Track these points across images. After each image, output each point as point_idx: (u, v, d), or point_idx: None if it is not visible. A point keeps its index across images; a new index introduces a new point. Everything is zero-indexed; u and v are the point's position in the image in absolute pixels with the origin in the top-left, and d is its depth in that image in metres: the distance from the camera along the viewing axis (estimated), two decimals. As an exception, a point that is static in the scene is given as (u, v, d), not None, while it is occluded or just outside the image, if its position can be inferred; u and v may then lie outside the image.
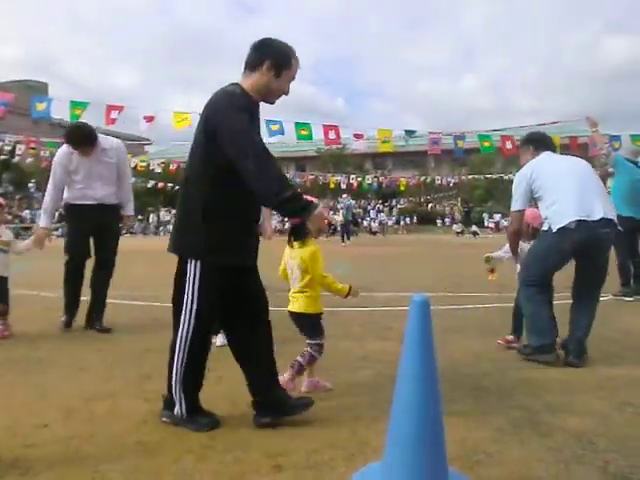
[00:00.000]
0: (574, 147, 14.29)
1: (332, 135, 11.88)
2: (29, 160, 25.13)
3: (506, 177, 32.32)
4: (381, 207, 37.85)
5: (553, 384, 3.03)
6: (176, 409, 2.41)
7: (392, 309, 5.44)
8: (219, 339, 3.88)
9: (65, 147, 4.41)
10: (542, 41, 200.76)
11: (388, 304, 5.80)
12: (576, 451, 2.19)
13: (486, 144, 15.17)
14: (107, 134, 4.76)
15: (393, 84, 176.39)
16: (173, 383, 2.42)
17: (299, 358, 2.89)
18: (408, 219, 37.68)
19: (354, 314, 5.26)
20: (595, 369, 3.36)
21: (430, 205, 40.02)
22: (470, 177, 33.85)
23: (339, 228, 23.92)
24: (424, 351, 1.62)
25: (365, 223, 34.31)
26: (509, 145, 16.45)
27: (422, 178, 31.84)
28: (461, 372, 3.27)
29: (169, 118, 11.28)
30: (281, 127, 11.44)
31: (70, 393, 2.85)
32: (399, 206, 39.20)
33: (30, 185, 35.07)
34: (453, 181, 31.58)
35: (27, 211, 31.00)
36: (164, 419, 2.45)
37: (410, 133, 13.26)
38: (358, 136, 12.81)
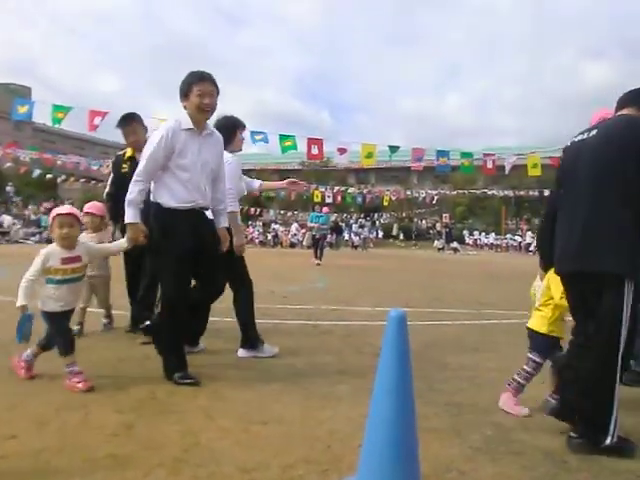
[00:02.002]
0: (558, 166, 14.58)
1: (315, 150, 11.96)
2: (8, 165, 24.76)
3: (489, 192, 32.86)
4: (363, 221, 38.01)
5: (527, 402, 3.05)
6: None
7: (371, 324, 5.45)
8: (240, 351, 3.94)
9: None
10: (524, 63, 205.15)
11: (367, 318, 5.81)
12: (549, 470, 2.22)
13: (466, 163, 15.42)
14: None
15: (377, 100, 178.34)
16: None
17: (516, 376, 2.97)
18: (402, 234, 37.99)
19: (333, 328, 5.27)
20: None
21: (416, 220, 40.35)
22: (455, 192, 34.30)
23: (305, 242, 23.58)
24: (400, 367, 1.62)
25: (347, 237, 34.40)
26: (490, 164, 16.78)
27: (407, 192, 32.14)
28: (436, 388, 3.28)
29: (155, 125, 11.25)
30: (265, 137, 11.54)
31: (41, 403, 2.79)
32: (381, 221, 39.46)
33: (8, 189, 34.50)
34: (436, 197, 31.92)
35: (4, 215, 30.42)
36: None
37: (394, 149, 13.40)
38: (342, 150, 12.91)
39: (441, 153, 15.09)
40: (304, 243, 22.44)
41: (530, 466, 2.24)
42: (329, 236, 24.45)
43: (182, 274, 3.29)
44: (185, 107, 3.32)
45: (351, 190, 31.63)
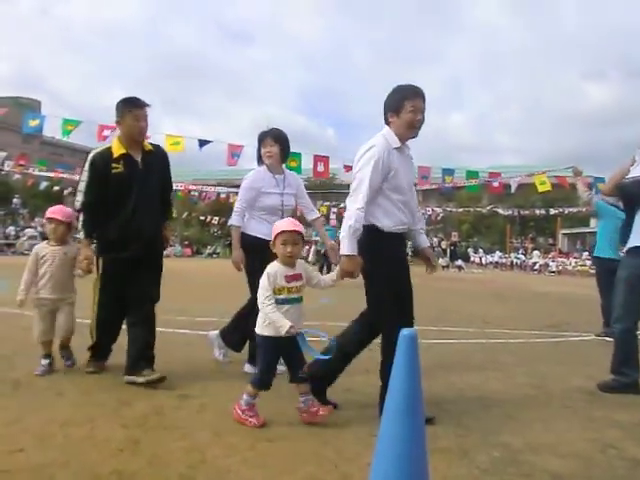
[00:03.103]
0: (565, 184, 14.69)
1: (321, 168, 12.00)
2: (17, 177, 24.95)
3: (495, 210, 32.84)
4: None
5: (536, 423, 3.02)
6: None
7: (377, 340, 5.41)
8: (247, 366, 3.96)
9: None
10: (528, 83, 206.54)
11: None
12: (558, 493, 2.18)
13: (472, 182, 15.44)
14: None
15: (381, 117, 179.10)
16: None
17: None
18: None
19: (338, 345, 5.23)
20: (577, 410, 3.36)
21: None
22: (460, 210, 34.28)
23: (311, 258, 20.31)
24: (412, 385, 1.62)
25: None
26: (495, 183, 16.81)
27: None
28: (444, 408, 3.25)
29: (161, 141, 11.36)
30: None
31: (46, 418, 2.77)
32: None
33: (15, 201, 34.73)
34: (441, 215, 31.91)
35: (11, 227, 30.58)
36: None
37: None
38: (348, 168, 12.95)
39: (447, 171, 15.14)
40: (309, 259, 21.83)
41: (539, 489, 2.21)
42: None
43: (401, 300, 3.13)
44: (390, 123, 3.09)
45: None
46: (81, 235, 3.60)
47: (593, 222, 26.82)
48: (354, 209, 2.93)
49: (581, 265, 29.40)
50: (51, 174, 23.72)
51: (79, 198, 3.62)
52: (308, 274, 2.99)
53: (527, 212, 30.76)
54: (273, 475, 2.20)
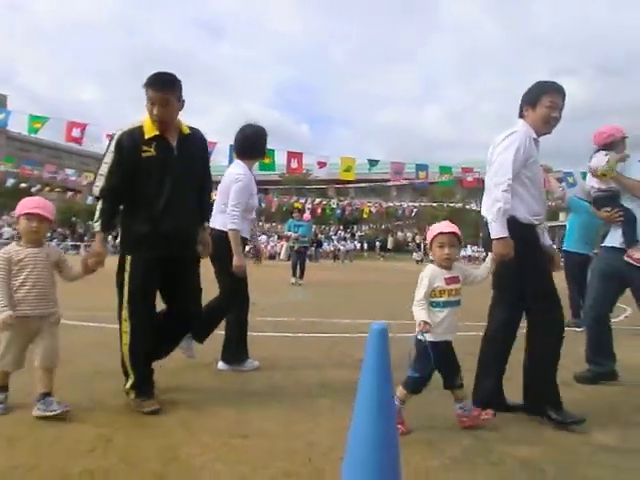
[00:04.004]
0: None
1: (294, 164, 11.98)
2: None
3: (468, 207, 33.35)
4: (343, 233, 38.16)
5: (509, 414, 3.08)
6: None
7: (352, 336, 5.46)
8: (220, 364, 3.94)
9: None
10: (500, 79, 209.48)
11: (348, 330, 5.82)
12: (526, 479, 2.24)
13: (445, 178, 15.63)
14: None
15: (357, 113, 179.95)
16: None
17: None
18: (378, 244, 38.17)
19: (313, 340, 5.26)
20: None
21: (398, 233, 40.70)
22: (435, 205, 34.70)
23: (283, 255, 19.17)
24: (382, 379, 1.64)
25: (327, 248, 34.46)
26: (469, 178, 17.05)
27: (387, 204, 32.46)
28: (415, 400, 3.28)
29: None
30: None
31: (15, 419, 2.72)
32: (360, 233, 39.67)
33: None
34: (415, 210, 32.25)
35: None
36: None
37: (373, 163, 13.51)
38: (321, 164, 12.97)
39: (420, 167, 15.27)
40: (281, 256, 21.20)
41: (508, 476, 2.27)
42: (310, 249, 22.77)
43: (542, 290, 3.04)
44: (524, 117, 3.12)
45: (332, 202, 31.76)
46: (96, 227, 3.02)
47: (562, 216, 27.42)
48: (500, 192, 2.89)
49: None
50: (23, 169, 23.13)
51: (99, 183, 3.01)
52: (465, 274, 2.90)
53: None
54: (247, 471, 2.20)
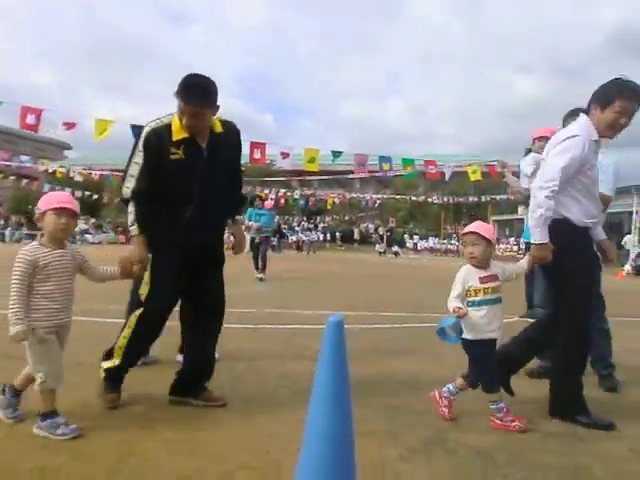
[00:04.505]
0: (494, 173, 15.37)
1: (257, 154, 11.89)
2: None
3: (430, 200, 33.89)
4: (306, 224, 38.18)
5: (462, 402, 3.17)
6: None
7: (313, 327, 5.48)
8: (179, 356, 3.74)
9: None
10: (463, 76, 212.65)
11: (309, 322, 5.84)
12: (478, 467, 2.31)
13: (408, 169, 15.81)
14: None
15: (321, 104, 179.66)
16: None
17: None
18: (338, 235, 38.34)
19: (274, 332, 5.26)
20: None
21: (361, 225, 40.95)
22: (398, 197, 35.06)
23: (247, 250, 19.65)
24: (337, 372, 1.65)
25: (290, 239, 34.43)
26: (432, 170, 17.31)
27: (351, 196, 32.62)
28: (374, 391, 3.34)
29: (91, 125, 10.86)
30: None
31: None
32: (323, 224, 39.78)
33: None
34: (379, 202, 32.52)
35: None
36: None
37: (337, 154, 13.55)
38: (284, 155, 12.92)
39: (384, 159, 15.41)
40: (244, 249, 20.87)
41: (462, 463, 2.33)
42: (273, 239, 22.28)
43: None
44: (590, 114, 2.96)
45: (296, 193, 31.71)
46: (133, 230, 2.78)
47: (521, 209, 28.21)
48: (542, 197, 2.82)
49: (509, 251, 30.89)
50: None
51: (129, 185, 2.76)
52: (504, 272, 2.93)
53: (461, 199, 31.92)
54: (205, 464, 2.19)
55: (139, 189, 2.76)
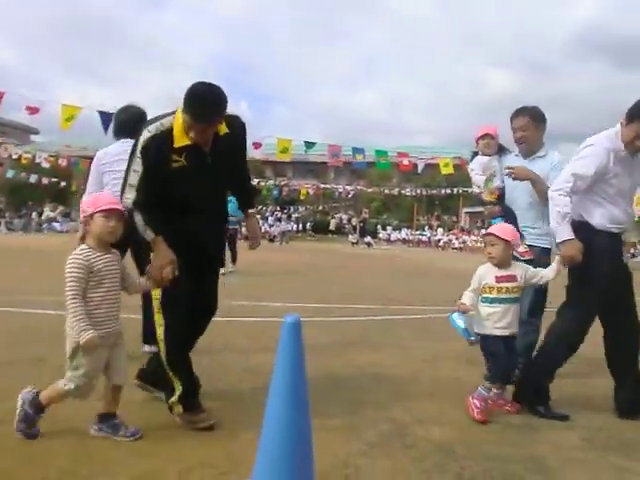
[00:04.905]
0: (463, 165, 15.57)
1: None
2: None
3: (404, 192, 34.16)
4: (280, 214, 38.04)
5: (424, 397, 3.21)
6: None
7: (281, 320, 5.45)
8: (146, 347, 3.74)
9: None
10: (436, 67, 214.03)
11: (277, 315, 5.81)
12: (437, 460, 2.35)
13: (382, 160, 15.87)
14: None
15: (296, 94, 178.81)
16: None
17: None
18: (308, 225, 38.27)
19: (240, 324, 5.23)
20: (463, 382, 3.57)
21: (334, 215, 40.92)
22: (371, 190, 35.17)
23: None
24: (294, 372, 1.65)
25: (263, 229, 34.25)
26: (405, 162, 17.42)
27: (325, 186, 32.62)
28: (341, 386, 3.36)
29: (57, 109, 10.56)
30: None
31: None
32: (296, 215, 39.69)
33: None
34: (352, 192, 32.60)
35: None
36: None
37: (310, 145, 13.49)
38: (257, 145, 12.82)
39: (357, 150, 15.42)
40: None
41: (421, 457, 2.37)
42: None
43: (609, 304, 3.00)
44: (622, 124, 2.91)
45: (269, 183, 31.54)
46: (149, 236, 2.59)
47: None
48: (557, 195, 2.90)
49: (480, 242, 31.36)
50: None
51: (130, 195, 2.57)
52: (529, 275, 2.98)
53: (434, 191, 32.21)
54: (164, 463, 2.17)
55: (139, 200, 2.56)
